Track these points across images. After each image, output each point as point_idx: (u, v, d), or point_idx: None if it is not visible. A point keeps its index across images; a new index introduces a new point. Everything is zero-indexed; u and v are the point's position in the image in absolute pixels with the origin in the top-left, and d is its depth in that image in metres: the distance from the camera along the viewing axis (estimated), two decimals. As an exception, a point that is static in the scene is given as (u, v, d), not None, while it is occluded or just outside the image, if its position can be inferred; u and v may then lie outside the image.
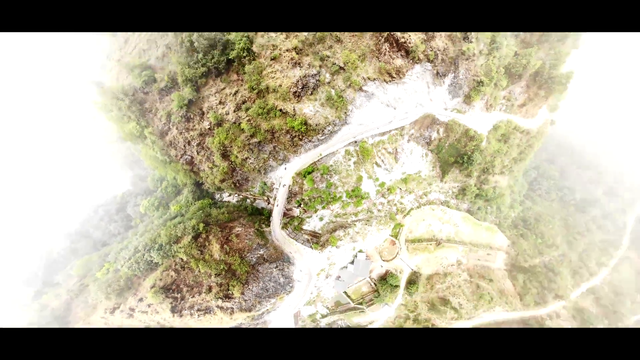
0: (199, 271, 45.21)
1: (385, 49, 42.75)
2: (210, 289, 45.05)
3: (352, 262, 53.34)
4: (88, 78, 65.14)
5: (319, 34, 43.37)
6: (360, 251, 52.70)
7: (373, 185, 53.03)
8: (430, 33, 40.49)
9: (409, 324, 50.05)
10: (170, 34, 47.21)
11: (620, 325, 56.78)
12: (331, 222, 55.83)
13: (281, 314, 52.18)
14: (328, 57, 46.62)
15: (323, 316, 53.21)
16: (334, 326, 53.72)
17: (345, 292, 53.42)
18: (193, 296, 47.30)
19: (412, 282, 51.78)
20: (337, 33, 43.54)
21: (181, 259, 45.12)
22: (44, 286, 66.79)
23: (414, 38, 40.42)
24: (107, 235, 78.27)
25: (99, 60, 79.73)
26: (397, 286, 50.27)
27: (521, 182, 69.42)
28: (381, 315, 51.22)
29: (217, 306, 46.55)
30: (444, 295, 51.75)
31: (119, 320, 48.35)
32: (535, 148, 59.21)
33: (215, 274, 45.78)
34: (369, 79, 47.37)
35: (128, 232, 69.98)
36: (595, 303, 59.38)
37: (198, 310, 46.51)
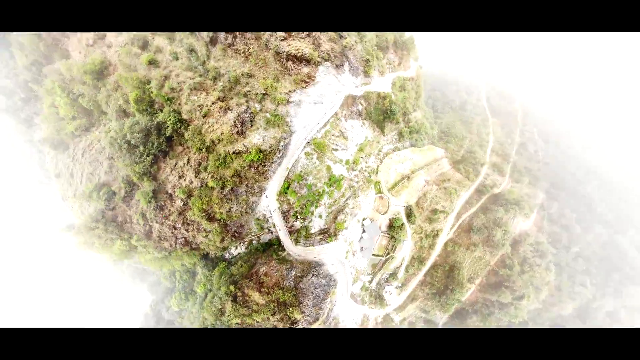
0: (257, 322, 47.28)
1: (290, 65, 51.26)
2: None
3: (364, 231, 62.53)
4: (58, 228, 58.19)
5: (232, 76, 48.72)
6: (364, 219, 62.11)
7: (341, 166, 62.30)
8: (316, 41, 50.70)
9: (425, 242, 63.33)
10: (107, 145, 45.53)
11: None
12: (329, 214, 63.29)
13: (341, 305, 57.80)
14: (249, 91, 52.73)
15: (369, 282, 61.62)
16: (381, 282, 62.85)
17: (373, 255, 62.61)
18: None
19: (409, 214, 64.22)
20: (248, 70, 49.86)
21: (236, 323, 46.28)
22: None
23: (306, 50, 50.01)
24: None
25: (58, 208, 70.37)
26: (402, 224, 61.96)
27: (426, 109, 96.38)
28: (406, 250, 63.00)
29: (290, 337, 49.81)
30: (431, 208, 66.46)
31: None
32: (422, 86, 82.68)
33: (272, 315, 48.62)
34: (290, 91, 55.52)
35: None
36: (497, 155, 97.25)
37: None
